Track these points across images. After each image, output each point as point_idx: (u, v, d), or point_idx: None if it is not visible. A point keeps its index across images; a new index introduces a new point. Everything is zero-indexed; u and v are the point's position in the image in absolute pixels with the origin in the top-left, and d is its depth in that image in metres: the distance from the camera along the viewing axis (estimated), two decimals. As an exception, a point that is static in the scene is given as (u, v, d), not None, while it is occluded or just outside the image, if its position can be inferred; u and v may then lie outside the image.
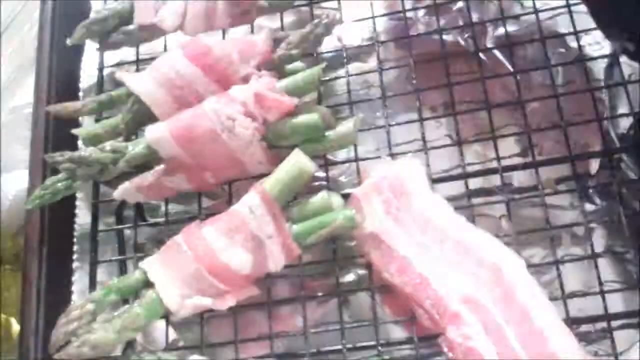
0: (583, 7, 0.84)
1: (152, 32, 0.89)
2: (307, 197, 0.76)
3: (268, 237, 0.72)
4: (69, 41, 0.89)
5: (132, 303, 0.74)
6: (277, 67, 0.81)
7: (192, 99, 0.80)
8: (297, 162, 0.74)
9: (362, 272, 0.80)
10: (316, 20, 0.82)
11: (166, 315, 0.74)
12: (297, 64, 0.83)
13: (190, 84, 0.80)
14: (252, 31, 0.89)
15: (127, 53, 0.93)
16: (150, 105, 0.80)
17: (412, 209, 0.71)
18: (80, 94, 0.95)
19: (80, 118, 0.92)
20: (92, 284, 0.81)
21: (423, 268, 0.68)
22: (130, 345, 0.77)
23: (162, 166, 0.77)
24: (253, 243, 0.71)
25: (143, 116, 0.81)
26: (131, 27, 0.89)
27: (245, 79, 0.80)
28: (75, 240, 0.88)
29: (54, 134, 0.89)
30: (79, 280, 0.86)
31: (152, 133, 0.77)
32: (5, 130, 0.96)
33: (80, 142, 0.89)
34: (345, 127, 0.77)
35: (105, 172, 0.78)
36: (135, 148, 0.78)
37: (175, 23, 0.87)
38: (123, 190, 0.78)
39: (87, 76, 0.96)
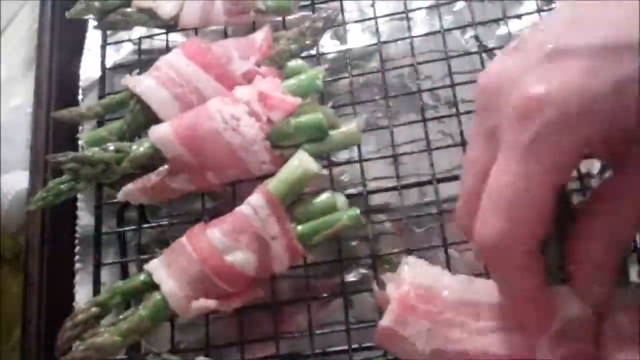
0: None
1: (149, 17, 0.89)
2: (311, 197, 0.76)
3: (272, 238, 0.72)
4: (67, 14, 0.90)
5: (136, 306, 0.74)
6: (276, 63, 0.82)
7: (192, 97, 0.80)
8: (301, 162, 0.74)
9: (366, 272, 0.80)
10: (315, 14, 0.83)
11: (171, 317, 0.74)
12: (300, 63, 0.83)
13: (189, 82, 0.80)
14: (253, 29, 0.88)
15: (128, 54, 0.93)
16: (151, 103, 0.80)
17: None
18: (80, 97, 0.95)
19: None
20: (96, 287, 0.81)
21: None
22: (134, 347, 0.77)
23: (165, 167, 0.77)
24: (258, 244, 0.71)
25: (145, 116, 0.81)
26: (129, 9, 0.89)
27: (246, 76, 0.81)
28: (77, 242, 0.88)
29: (55, 134, 0.89)
30: (81, 282, 0.86)
31: (156, 132, 0.77)
32: (5, 130, 0.96)
33: (81, 143, 0.89)
34: (349, 127, 0.77)
35: (109, 172, 0.78)
36: (139, 148, 0.78)
37: (171, 12, 0.87)
38: (126, 192, 0.78)
39: (87, 77, 0.95)
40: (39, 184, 0.85)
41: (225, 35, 0.90)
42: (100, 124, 0.88)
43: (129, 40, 0.95)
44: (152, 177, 0.77)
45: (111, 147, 0.78)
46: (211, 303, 0.71)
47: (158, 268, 0.73)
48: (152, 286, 0.72)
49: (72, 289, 0.86)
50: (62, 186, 0.79)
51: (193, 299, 0.71)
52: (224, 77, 0.80)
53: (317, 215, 0.74)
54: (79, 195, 0.89)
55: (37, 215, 0.84)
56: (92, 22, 0.96)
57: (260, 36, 0.83)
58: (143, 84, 0.81)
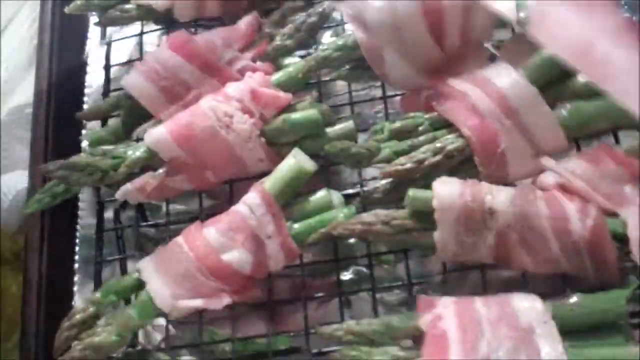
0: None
1: (147, 12, 0.89)
2: (307, 195, 0.76)
3: (268, 237, 0.72)
4: (67, 9, 0.91)
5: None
6: (273, 60, 0.82)
7: (180, 89, 0.81)
8: (297, 161, 0.74)
9: (363, 271, 0.80)
10: (310, 10, 0.83)
11: (165, 315, 0.73)
12: (295, 61, 0.82)
13: (175, 74, 0.81)
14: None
15: (131, 52, 0.94)
16: (139, 98, 0.81)
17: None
18: (86, 90, 0.96)
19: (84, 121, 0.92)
20: (97, 284, 0.81)
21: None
22: (131, 345, 0.76)
23: (164, 169, 0.77)
24: (253, 243, 0.71)
25: (137, 112, 0.82)
26: (128, 5, 0.90)
27: (231, 63, 0.81)
28: (77, 241, 0.88)
29: (54, 134, 0.89)
30: (81, 282, 0.86)
31: (151, 135, 0.77)
32: (5, 130, 0.96)
33: (83, 144, 0.90)
34: (345, 124, 0.77)
35: (107, 179, 0.77)
36: (135, 152, 0.77)
37: (165, 4, 0.88)
38: (125, 191, 0.78)
39: (92, 76, 0.96)
40: (38, 184, 0.85)
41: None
42: (105, 122, 0.88)
43: (132, 36, 0.95)
44: (150, 180, 0.77)
45: (107, 153, 0.78)
46: (198, 302, 0.71)
47: (147, 266, 0.73)
48: (142, 284, 0.73)
49: (71, 289, 0.86)
50: (57, 188, 0.79)
51: (180, 297, 0.71)
52: (210, 66, 0.81)
53: (313, 213, 0.74)
54: (80, 195, 0.89)
55: (36, 213, 0.84)
56: (92, 21, 0.97)
57: (244, 22, 0.83)
58: (129, 79, 0.82)
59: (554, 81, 0.71)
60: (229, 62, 0.81)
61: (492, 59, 0.77)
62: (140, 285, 0.73)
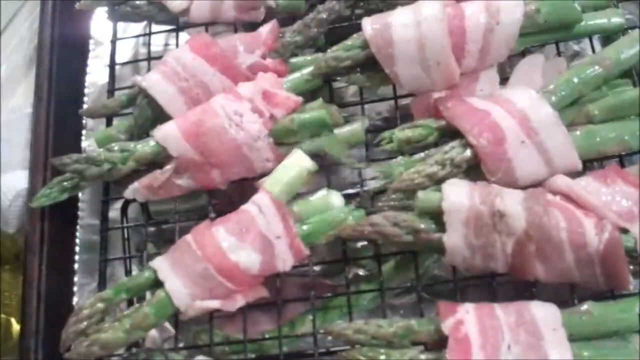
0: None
1: (158, 10, 0.90)
2: (307, 195, 0.76)
3: (276, 237, 0.72)
4: (77, 5, 0.91)
5: (138, 303, 0.74)
6: (282, 54, 0.82)
7: (198, 90, 0.81)
8: (297, 161, 0.75)
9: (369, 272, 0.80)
10: (319, 7, 0.83)
11: (175, 314, 0.73)
12: (304, 60, 0.83)
13: (195, 75, 0.81)
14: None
15: (139, 51, 0.94)
16: (157, 97, 0.81)
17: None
18: (86, 90, 0.96)
19: (84, 121, 0.93)
20: (102, 282, 0.81)
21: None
22: (135, 344, 0.77)
23: (172, 165, 0.77)
24: (262, 243, 0.72)
25: (152, 111, 0.82)
26: (140, 2, 0.90)
27: (251, 68, 0.81)
28: (77, 241, 0.88)
29: (55, 134, 0.89)
30: (81, 282, 0.86)
31: (161, 130, 0.77)
32: (5, 130, 0.96)
33: (83, 144, 0.90)
34: (353, 125, 0.78)
35: (114, 171, 0.77)
36: (144, 146, 0.78)
37: (181, 5, 0.88)
38: (133, 190, 0.78)
39: (93, 75, 0.97)
40: (39, 184, 0.85)
41: (235, 32, 0.89)
42: (109, 121, 0.88)
43: (139, 35, 0.96)
44: (159, 176, 0.77)
45: (115, 147, 0.78)
46: (215, 303, 0.71)
47: (163, 265, 0.72)
48: (156, 283, 0.72)
49: (71, 289, 0.86)
50: (65, 183, 0.79)
51: (197, 297, 0.71)
52: (230, 70, 0.81)
53: (313, 213, 0.74)
54: (80, 195, 0.89)
55: (36, 213, 0.84)
56: (95, 22, 0.97)
57: (266, 29, 0.83)
58: (149, 79, 0.81)
59: (570, 105, 0.73)
60: (250, 68, 0.81)
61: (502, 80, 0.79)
62: (154, 284, 0.73)
